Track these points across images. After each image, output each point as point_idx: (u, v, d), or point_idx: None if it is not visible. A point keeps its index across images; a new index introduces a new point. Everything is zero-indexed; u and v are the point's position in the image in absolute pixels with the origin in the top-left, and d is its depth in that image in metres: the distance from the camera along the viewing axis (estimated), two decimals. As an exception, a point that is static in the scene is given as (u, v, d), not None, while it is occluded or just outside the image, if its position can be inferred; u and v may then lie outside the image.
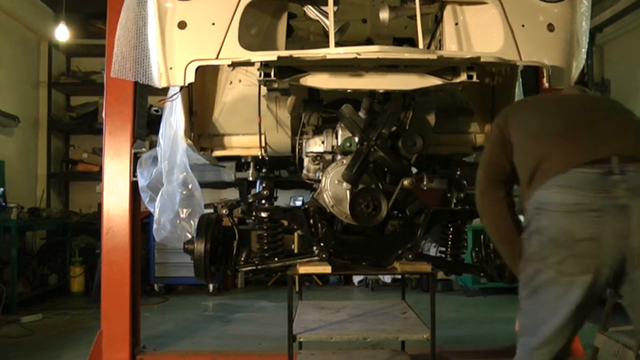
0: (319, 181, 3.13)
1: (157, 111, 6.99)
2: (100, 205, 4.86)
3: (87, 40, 8.80)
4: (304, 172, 3.28)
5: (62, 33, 8.13)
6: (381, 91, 2.89)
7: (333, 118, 3.13)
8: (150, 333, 5.37)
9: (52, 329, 5.93)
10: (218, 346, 5.14)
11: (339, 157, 3.13)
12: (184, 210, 3.99)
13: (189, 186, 3.96)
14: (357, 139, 2.99)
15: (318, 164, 3.19)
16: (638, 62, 7.60)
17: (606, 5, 7.73)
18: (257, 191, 3.46)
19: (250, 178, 3.53)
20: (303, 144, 3.27)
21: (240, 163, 3.69)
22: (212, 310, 7.12)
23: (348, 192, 3.02)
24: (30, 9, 8.36)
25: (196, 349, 5.14)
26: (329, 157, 3.19)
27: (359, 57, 2.54)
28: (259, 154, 3.30)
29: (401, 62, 2.71)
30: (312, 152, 3.21)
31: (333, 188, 3.05)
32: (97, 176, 6.24)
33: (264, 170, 3.51)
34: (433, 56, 2.61)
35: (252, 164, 3.52)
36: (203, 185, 4.07)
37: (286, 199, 7.92)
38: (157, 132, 4.18)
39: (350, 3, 3.19)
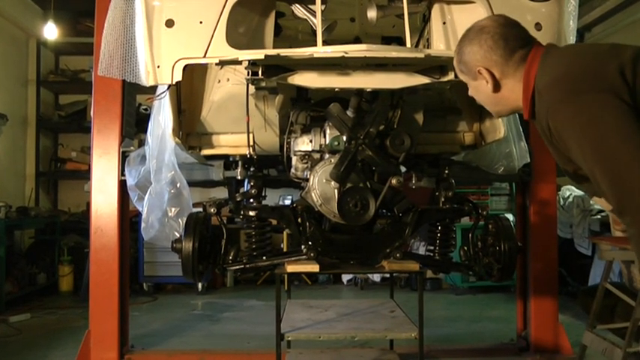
0: (307, 179, 3.12)
1: (145, 109, 6.98)
2: (88, 204, 4.84)
3: (75, 38, 8.74)
4: (292, 170, 3.28)
5: (51, 31, 8.07)
6: (368, 90, 2.90)
7: (321, 117, 3.12)
8: (138, 332, 5.35)
9: (40, 329, 5.90)
10: (207, 345, 5.13)
11: (327, 155, 3.12)
12: (173, 209, 4.00)
13: (178, 185, 3.97)
14: (345, 138, 2.99)
15: (306, 163, 3.18)
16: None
17: (595, 4, 7.77)
18: (245, 190, 3.45)
19: (239, 177, 3.52)
20: (292, 143, 3.26)
21: (228, 161, 3.69)
22: (201, 309, 7.10)
23: (336, 191, 3.01)
24: (19, 7, 8.30)
25: (185, 348, 5.13)
26: (317, 155, 3.18)
27: (346, 55, 2.54)
28: (248, 152, 3.30)
29: (389, 61, 2.72)
30: (300, 151, 3.21)
31: (321, 187, 3.04)
32: (85, 175, 6.18)
33: (252, 169, 3.51)
34: (421, 55, 2.62)
35: (240, 163, 3.51)
36: (191, 184, 4.08)
37: (276, 197, 7.92)
38: (145, 130, 4.18)
39: (338, 2, 3.19)
